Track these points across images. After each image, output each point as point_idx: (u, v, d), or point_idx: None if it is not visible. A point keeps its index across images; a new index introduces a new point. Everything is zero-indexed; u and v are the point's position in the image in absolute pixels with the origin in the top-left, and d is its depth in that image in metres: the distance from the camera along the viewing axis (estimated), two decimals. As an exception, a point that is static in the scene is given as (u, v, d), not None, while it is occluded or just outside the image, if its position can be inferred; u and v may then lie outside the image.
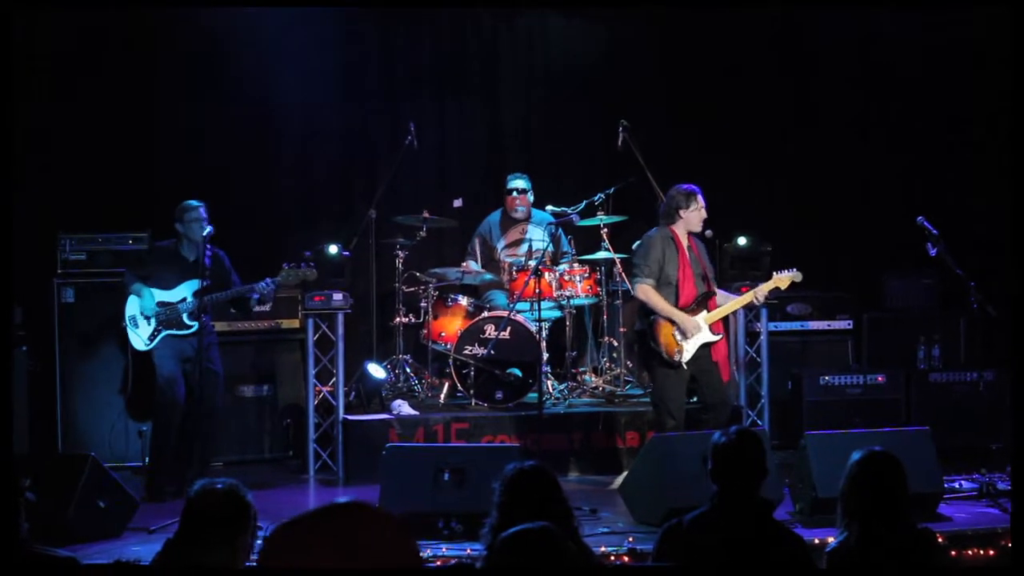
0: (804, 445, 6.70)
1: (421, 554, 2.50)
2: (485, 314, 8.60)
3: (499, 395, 8.38)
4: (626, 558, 5.87)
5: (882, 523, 4.09)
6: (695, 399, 7.71)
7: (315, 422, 8.42)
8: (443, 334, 8.74)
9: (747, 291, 7.63)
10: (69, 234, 8.59)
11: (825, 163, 10.02)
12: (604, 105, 9.86)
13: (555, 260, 9.01)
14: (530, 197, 9.28)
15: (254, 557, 3.52)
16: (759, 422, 8.70)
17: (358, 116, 9.96)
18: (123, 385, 8.51)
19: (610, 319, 9.09)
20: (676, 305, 7.27)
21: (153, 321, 7.63)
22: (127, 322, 7.71)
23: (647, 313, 7.33)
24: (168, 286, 7.68)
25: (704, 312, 7.31)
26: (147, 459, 7.96)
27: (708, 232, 7.84)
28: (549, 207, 9.21)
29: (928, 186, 9.89)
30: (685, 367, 7.25)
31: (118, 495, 6.63)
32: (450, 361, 8.42)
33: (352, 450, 8.20)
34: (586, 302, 8.93)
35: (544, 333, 8.56)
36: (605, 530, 6.44)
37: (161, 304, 7.64)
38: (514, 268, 8.88)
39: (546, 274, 8.47)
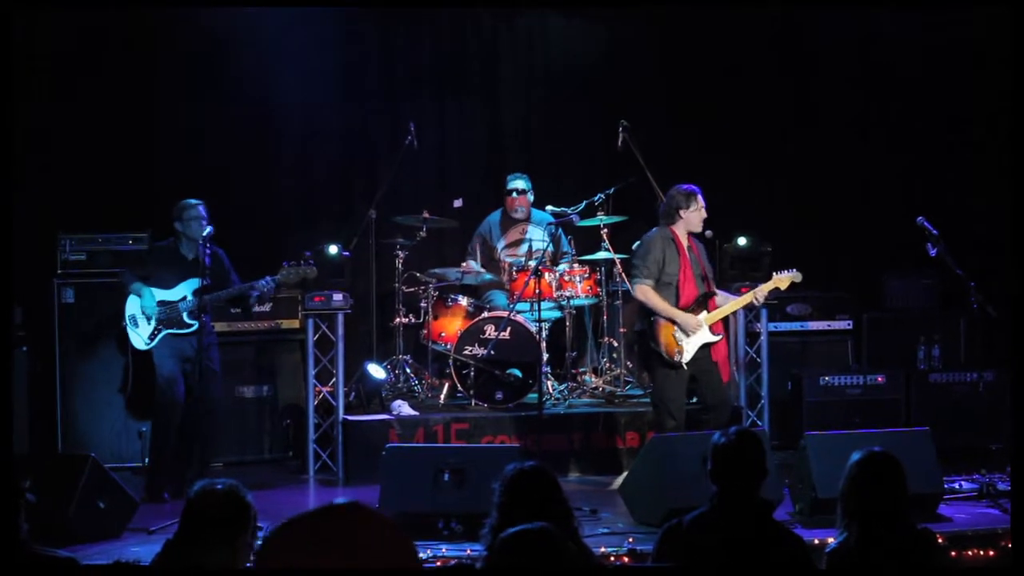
0: (804, 445, 6.70)
1: (419, 555, 2.49)
2: (485, 314, 8.60)
3: (499, 395, 8.38)
4: (626, 559, 5.87)
5: (882, 524, 4.09)
6: (695, 399, 7.71)
7: (315, 422, 8.42)
8: (443, 334, 8.74)
9: (747, 291, 7.63)
10: (69, 234, 8.59)
11: (825, 163, 10.02)
12: (604, 105, 9.86)
13: (555, 260, 9.00)
14: (530, 197, 9.28)
15: (253, 558, 3.52)
16: (759, 422, 8.70)
17: (358, 116, 9.96)
18: (123, 385, 8.51)
19: (610, 319, 9.09)
20: (677, 306, 7.27)
21: (153, 320, 7.63)
22: (127, 321, 7.71)
23: (647, 314, 7.33)
24: (168, 285, 7.68)
25: (704, 312, 7.31)
26: (147, 460, 7.97)
27: (708, 232, 7.83)
28: (549, 207, 9.21)
29: (928, 186, 9.89)
30: (685, 367, 7.25)
31: (118, 496, 6.63)
32: (450, 361, 8.42)
33: (352, 450, 8.20)
34: (586, 302, 8.92)
35: (544, 333, 8.56)
36: (605, 530, 6.44)
37: (161, 303, 7.64)
38: (514, 268, 8.88)
39: (546, 274, 8.47)
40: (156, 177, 9.14)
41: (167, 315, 7.62)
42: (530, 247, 9.17)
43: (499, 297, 8.98)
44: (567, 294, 8.65)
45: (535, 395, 8.20)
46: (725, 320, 7.62)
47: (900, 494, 4.14)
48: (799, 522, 6.47)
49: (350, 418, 8.33)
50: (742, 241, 9.07)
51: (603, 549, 5.93)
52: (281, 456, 8.83)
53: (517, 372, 8.36)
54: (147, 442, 8.03)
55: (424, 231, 8.95)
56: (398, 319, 8.90)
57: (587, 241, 9.13)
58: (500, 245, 9.30)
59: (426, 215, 8.91)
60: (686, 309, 7.28)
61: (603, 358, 9.18)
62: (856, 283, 9.66)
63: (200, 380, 7.45)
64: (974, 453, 7.92)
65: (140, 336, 7.68)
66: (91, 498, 6.43)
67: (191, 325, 7.59)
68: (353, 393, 8.72)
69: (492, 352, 8.33)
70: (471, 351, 8.38)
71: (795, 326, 9.24)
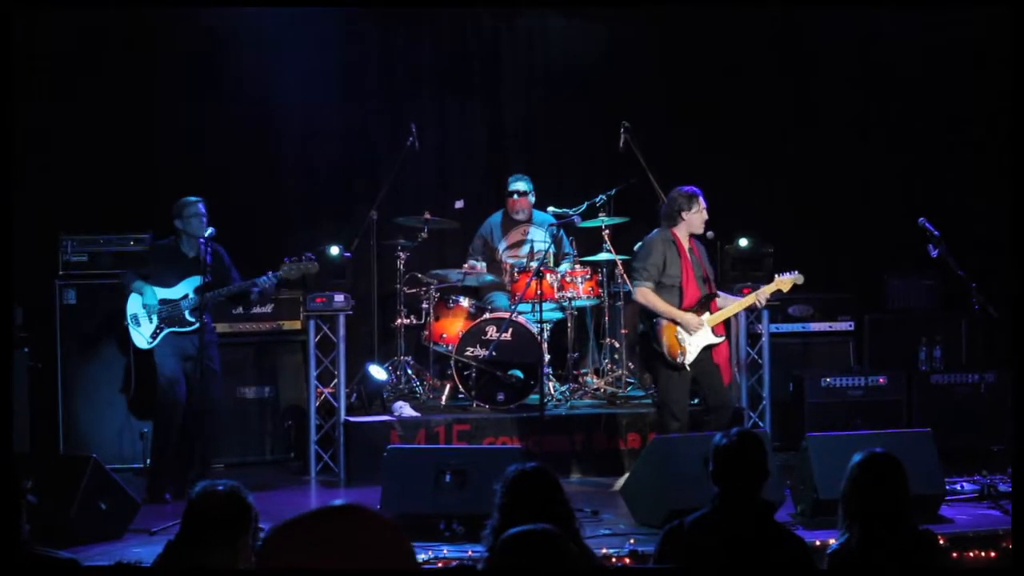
0: (805, 447, 6.70)
1: (417, 556, 2.49)
2: (487, 315, 8.59)
3: (500, 396, 8.38)
4: (627, 560, 5.87)
5: (883, 525, 4.09)
6: (696, 401, 7.71)
7: (316, 424, 8.41)
8: (444, 335, 8.74)
9: (749, 292, 7.64)
10: (70, 235, 8.59)
11: (825, 163, 10.03)
12: (604, 105, 9.87)
13: (557, 261, 9.00)
14: (531, 199, 9.27)
15: (254, 559, 3.52)
16: (760, 424, 8.70)
17: (358, 116, 9.97)
18: (124, 385, 8.50)
19: (612, 320, 9.09)
20: (680, 307, 7.26)
21: (155, 319, 7.62)
22: (129, 321, 7.70)
23: (649, 315, 7.32)
24: (169, 284, 7.68)
25: (707, 314, 7.31)
26: (148, 460, 7.97)
27: (709, 234, 7.83)
28: (551, 208, 9.21)
29: (928, 186, 9.89)
30: (688, 369, 7.25)
31: (119, 496, 6.63)
32: (451, 362, 8.41)
33: (353, 452, 8.20)
34: (588, 303, 8.92)
35: (546, 335, 8.56)
36: (607, 532, 6.44)
37: (163, 302, 7.64)
38: (515, 269, 8.86)
39: (548, 275, 8.47)
40: (156, 177, 9.14)
41: (169, 313, 7.62)
42: (531, 248, 9.16)
43: (500, 298, 8.97)
44: (569, 295, 8.65)
45: (537, 396, 8.19)
46: (726, 322, 7.62)
47: (902, 495, 4.14)
48: (801, 523, 6.47)
49: (352, 419, 8.33)
50: (743, 242, 9.07)
51: (605, 550, 5.93)
52: (283, 457, 8.83)
53: (519, 373, 8.36)
54: (148, 443, 8.03)
55: (425, 232, 8.95)
56: (399, 320, 8.90)
57: (589, 242, 9.13)
58: (501, 246, 9.29)
59: (427, 216, 8.91)
60: (688, 311, 7.28)
61: (605, 359, 9.18)
62: (857, 284, 9.66)
63: (201, 380, 7.45)
64: (975, 454, 7.92)
65: (142, 335, 7.67)
66: (92, 499, 6.43)
67: (193, 323, 7.58)
68: (355, 394, 8.71)
69: (493, 353, 8.33)
70: (472, 352, 8.37)
71: (797, 327, 9.24)
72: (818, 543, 5.74)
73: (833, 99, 10.19)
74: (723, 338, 7.40)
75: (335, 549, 2.26)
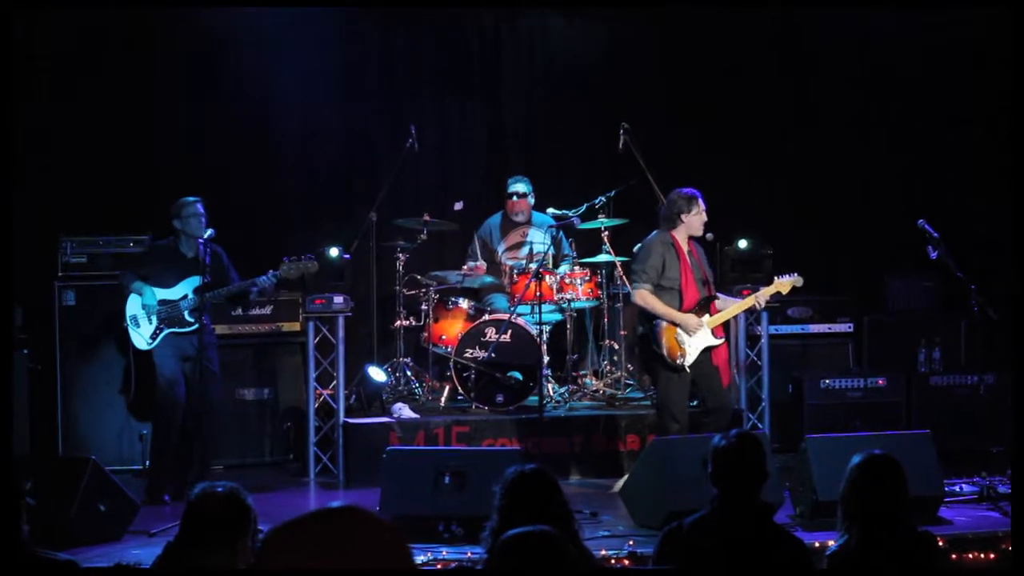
0: (805, 448, 6.69)
1: (414, 558, 2.50)
2: (486, 317, 8.59)
3: (500, 398, 8.37)
4: (626, 561, 5.87)
5: (883, 526, 4.08)
6: (695, 403, 7.70)
7: (316, 425, 8.41)
8: (444, 337, 8.73)
9: (748, 294, 7.64)
10: (70, 237, 8.59)
11: (825, 163, 10.03)
12: (604, 105, 9.87)
13: (556, 263, 9.00)
14: (530, 201, 9.27)
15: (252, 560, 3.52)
16: (760, 425, 8.70)
17: (358, 116, 9.96)
18: (124, 386, 8.49)
19: (611, 322, 9.08)
20: (680, 310, 7.26)
21: (155, 319, 7.62)
22: (128, 322, 7.69)
23: (649, 317, 7.32)
24: (168, 284, 7.67)
25: (706, 316, 7.31)
26: (147, 462, 7.96)
27: (709, 235, 7.83)
28: (550, 210, 9.21)
29: (928, 186, 9.90)
30: (688, 370, 7.25)
31: (119, 498, 6.62)
32: (451, 364, 8.41)
33: (353, 453, 8.20)
34: (587, 305, 8.92)
35: (545, 336, 8.55)
36: (606, 533, 6.44)
37: (162, 302, 7.63)
38: (515, 271, 8.86)
39: (547, 277, 8.46)
40: (156, 177, 9.13)
41: (169, 314, 7.62)
42: (531, 250, 9.15)
43: (500, 300, 8.97)
44: (568, 297, 8.64)
45: (536, 398, 8.19)
46: (725, 323, 7.61)
47: (901, 497, 4.14)
48: (800, 525, 6.47)
49: (351, 421, 8.33)
50: (743, 244, 9.07)
51: (604, 552, 5.93)
52: (282, 459, 8.82)
53: (518, 375, 8.36)
54: (148, 444, 8.03)
55: (424, 234, 8.95)
56: (399, 322, 8.89)
57: (588, 244, 9.13)
58: (501, 248, 9.29)
59: (427, 218, 8.90)
60: (688, 313, 7.27)
61: (604, 361, 9.17)
62: (857, 285, 9.67)
63: (200, 381, 7.45)
64: (975, 456, 7.93)
65: (142, 336, 7.67)
66: (92, 500, 6.42)
67: (192, 324, 7.58)
68: (354, 396, 8.71)
69: (493, 355, 8.32)
70: (472, 354, 8.37)
71: (796, 329, 9.24)
72: (817, 545, 5.73)
73: (833, 99, 10.20)
74: (723, 340, 7.40)
75: (333, 550, 2.26)
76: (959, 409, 8.58)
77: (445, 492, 6.43)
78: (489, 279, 9.03)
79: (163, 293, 7.66)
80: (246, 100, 9.55)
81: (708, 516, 4.13)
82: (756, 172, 9.97)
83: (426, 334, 8.84)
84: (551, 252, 8.92)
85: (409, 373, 8.98)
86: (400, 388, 8.88)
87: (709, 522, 4.11)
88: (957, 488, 7.22)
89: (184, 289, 7.65)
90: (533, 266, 8.53)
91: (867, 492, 4.13)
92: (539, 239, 9.17)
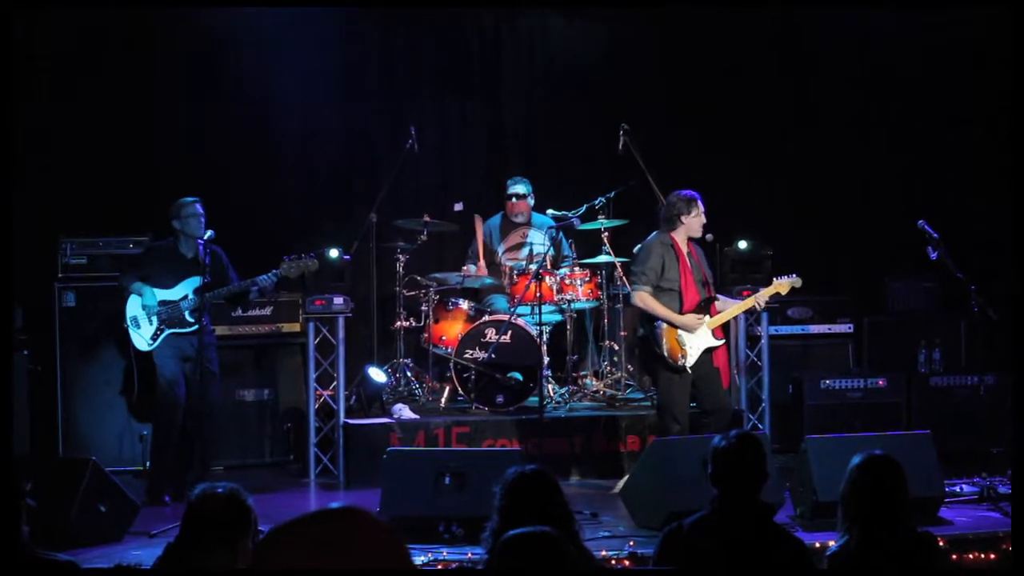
0: (805, 449, 6.69)
1: (413, 559, 2.50)
2: (486, 318, 8.58)
3: (500, 399, 8.37)
4: (627, 562, 5.87)
5: (883, 527, 4.08)
6: (694, 404, 7.70)
7: (316, 426, 8.41)
8: (444, 338, 8.73)
9: (748, 295, 7.63)
10: (70, 238, 8.58)
11: (825, 163, 10.03)
12: (604, 105, 9.88)
13: (556, 264, 8.99)
14: (530, 202, 9.26)
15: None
16: (760, 426, 8.70)
17: (358, 116, 9.96)
18: (124, 387, 8.48)
19: (611, 323, 9.09)
20: (680, 312, 7.26)
21: (155, 320, 7.61)
22: (128, 323, 7.68)
23: (650, 319, 7.32)
24: (168, 285, 7.66)
25: (706, 317, 7.30)
26: (148, 463, 7.96)
27: (708, 236, 7.83)
28: (550, 211, 9.21)
29: (928, 186, 9.90)
30: (689, 371, 7.25)
31: (119, 499, 6.61)
32: (451, 365, 8.40)
33: (353, 454, 8.19)
34: (587, 306, 8.92)
35: (545, 337, 8.55)
36: (606, 534, 6.43)
37: (163, 303, 7.63)
38: (515, 272, 8.86)
39: (547, 278, 8.45)
40: (156, 178, 9.13)
41: (169, 314, 7.61)
42: (531, 251, 9.15)
43: (500, 301, 8.96)
44: (568, 297, 8.64)
45: (536, 399, 8.18)
46: (725, 324, 7.61)
47: (901, 497, 4.14)
48: (800, 525, 6.46)
49: (351, 422, 8.33)
50: (743, 244, 9.07)
51: (604, 552, 5.93)
52: (282, 460, 8.82)
53: (518, 376, 8.35)
54: (148, 445, 8.02)
55: (425, 235, 8.95)
56: (399, 323, 8.89)
57: (588, 245, 9.13)
58: (500, 249, 9.29)
59: (427, 219, 8.90)
60: (688, 315, 7.27)
61: (604, 361, 9.17)
62: (856, 285, 9.67)
63: (200, 382, 7.45)
64: (975, 456, 7.93)
65: (142, 337, 7.66)
66: (92, 501, 6.41)
67: (192, 324, 7.57)
68: (354, 397, 8.70)
69: (493, 356, 8.32)
70: (472, 355, 8.37)
71: (796, 329, 9.24)
72: (817, 545, 5.73)
73: (833, 99, 10.20)
74: (723, 341, 7.40)
75: (333, 551, 2.26)
76: (959, 410, 8.58)
77: (445, 493, 6.42)
78: (489, 280, 9.03)
79: (163, 294, 7.65)
80: (246, 100, 9.55)
81: (708, 517, 4.13)
82: (756, 172, 9.97)
83: (426, 335, 8.84)
84: (551, 253, 8.92)
85: (409, 374, 8.98)
86: (400, 389, 8.88)
87: (709, 523, 4.11)
88: (957, 488, 7.22)
89: (184, 290, 7.64)
90: (533, 267, 8.53)
91: (867, 493, 4.13)
92: (539, 240, 9.17)
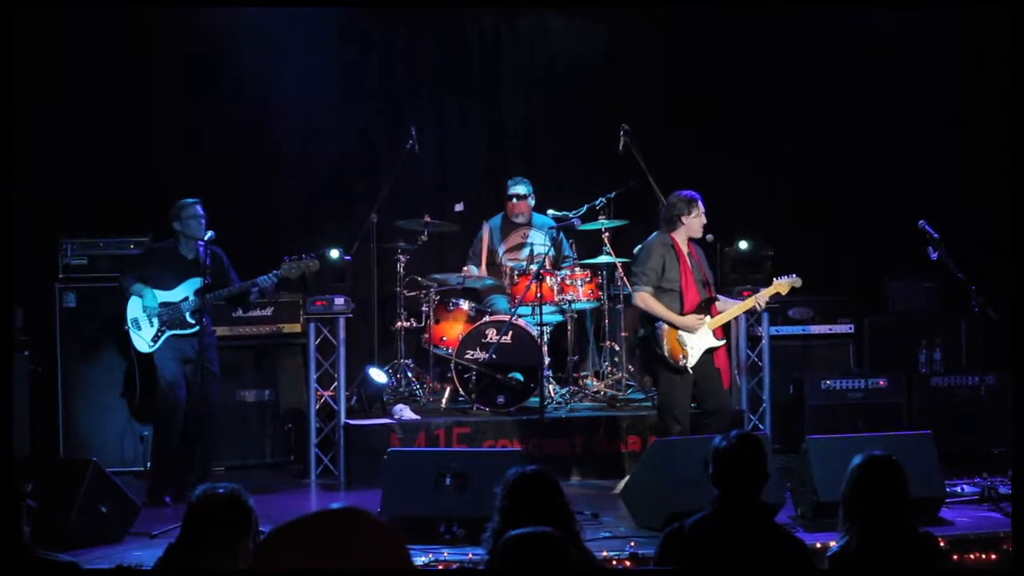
0: (806, 449, 6.69)
1: (413, 560, 2.51)
2: (487, 318, 8.58)
3: (501, 399, 8.37)
4: (628, 562, 5.86)
5: (884, 527, 4.08)
6: (694, 404, 7.70)
7: (316, 426, 8.41)
8: (444, 338, 8.73)
9: (748, 295, 7.63)
10: (70, 238, 8.58)
11: (825, 163, 10.03)
12: (604, 105, 9.88)
13: (556, 264, 8.99)
14: (531, 202, 9.26)
15: (252, 562, 3.52)
16: (761, 426, 8.71)
17: (358, 116, 9.96)
18: (125, 389, 8.47)
19: (612, 323, 9.08)
20: (681, 312, 7.26)
21: (156, 321, 7.61)
22: (129, 325, 7.67)
23: (651, 319, 7.32)
24: (168, 286, 7.66)
25: (707, 318, 7.30)
26: (148, 464, 7.95)
27: (709, 236, 7.82)
28: (551, 211, 9.20)
29: (928, 186, 9.90)
30: (690, 372, 7.24)
31: (120, 500, 6.61)
32: (452, 365, 8.40)
33: (354, 454, 8.19)
34: (588, 306, 8.93)
35: (546, 337, 8.55)
36: (607, 534, 6.43)
37: (163, 304, 7.62)
38: (515, 272, 8.86)
39: (547, 278, 8.45)
40: (156, 178, 9.12)
41: (170, 316, 7.61)
42: (531, 251, 9.15)
43: (500, 301, 8.96)
44: (568, 298, 8.64)
45: (537, 399, 8.17)
46: (726, 325, 7.61)
47: (902, 498, 4.14)
48: (801, 526, 6.47)
49: (352, 422, 8.33)
50: (743, 245, 9.07)
51: (605, 553, 5.92)
52: (283, 460, 8.82)
53: (519, 376, 8.35)
54: (149, 446, 8.02)
55: (425, 235, 8.95)
56: (399, 323, 8.89)
57: (588, 245, 9.13)
58: (501, 249, 9.28)
59: (427, 219, 8.90)
60: (689, 315, 7.27)
61: (605, 362, 9.17)
62: (857, 286, 9.68)
63: (200, 383, 7.44)
64: (976, 457, 7.93)
65: (143, 339, 7.66)
66: (93, 502, 6.41)
67: (193, 325, 7.56)
68: (355, 397, 8.70)
69: (494, 356, 8.32)
70: (473, 355, 8.36)
71: (797, 330, 9.24)
72: (818, 545, 5.73)
73: (833, 99, 10.20)
74: (724, 341, 7.40)
75: (334, 551, 2.27)
76: (960, 410, 8.58)
77: (446, 493, 6.42)
78: (490, 280, 9.03)
79: (164, 295, 7.65)
80: (246, 100, 9.55)
81: (709, 517, 4.13)
82: (756, 172, 9.98)
83: (427, 335, 8.84)
84: (551, 253, 8.92)
85: (410, 374, 8.98)
86: (401, 389, 8.88)
87: (710, 523, 4.11)
88: (958, 489, 7.21)
89: (185, 291, 7.64)
90: (534, 267, 8.53)
91: (868, 493, 4.13)
92: (540, 240, 9.17)
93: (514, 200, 9.22)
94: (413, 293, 8.94)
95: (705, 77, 10.01)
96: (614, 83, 10.12)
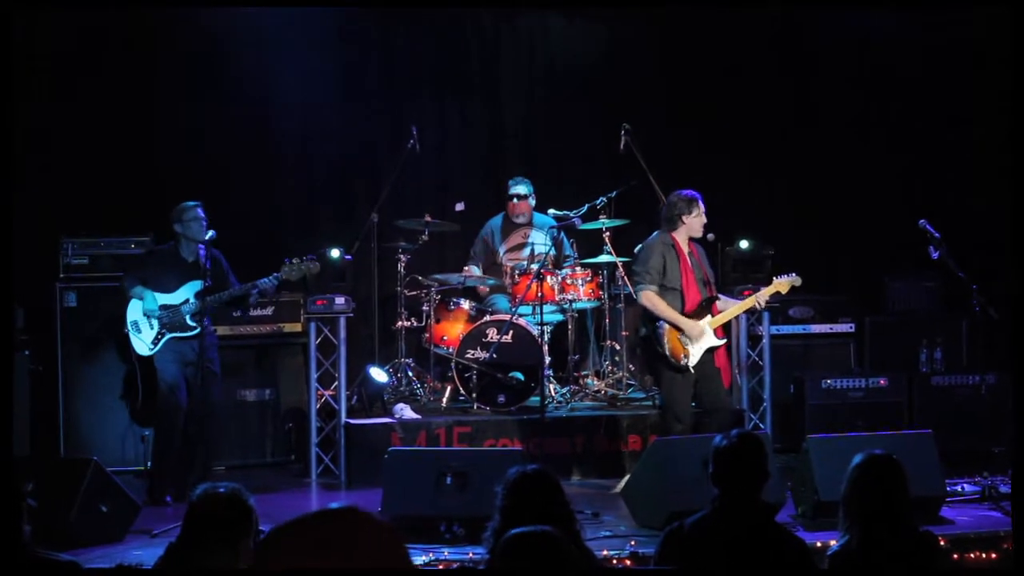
0: (806, 448, 6.69)
1: (412, 559, 2.51)
2: (487, 318, 8.58)
3: (501, 399, 8.37)
4: (628, 561, 5.87)
5: (884, 526, 4.09)
6: (695, 403, 7.70)
7: (317, 426, 8.41)
8: (445, 338, 8.73)
9: (749, 295, 7.64)
10: (71, 238, 8.58)
11: (825, 163, 10.03)
12: (604, 105, 9.88)
13: (557, 264, 8.99)
14: (531, 202, 9.27)
15: (252, 561, 3.52)
16: (761, 425, 8.71)
17: (358, 116, 9.96)
18: (126, 390, 8.46)
19: (612, 323, 9.08)
20: (682, 311, 7.26)
21: (156, 324, 7.61)
22: (129, 327, 7.67)
23: (652, 318, 7.32)
24: (168, 289, 7.66)
25: (708, 317, 7.31)
26: (149, 463, 7.96)
27: (710, 236, 7.83)
28: (551, 211, 9.21)
29: (928, 186, 9.90)
30: (692, 371, 7.25)
31: (120, 499, 6.61)
32: (452, 365, 8.40)
33: (354, 454, 8.19)
34: (588, 306, 8.93)
35: (546, 337, 8.55)
36: (607, 533, 6.43)
37: (164, 307, 7.62)
38: (516, 272, 8.85)
39: (548, 278, 8.46)
40: (156, 178, 9.11)
41: (170, 319, 7.61)
42: (532, 251, 9.16)
43: (501, 301, 8.97)
44: (569, 297, 8.65)
45: (537, 398, 8.18)
46: (726, 324, 7.61)
47: (902, 497, 4.14)
48: (801, 525, 6.47)
49: (352, 422, 8.33)
50: (744, 244, 9.07)
51: (605, 552, 5.93)
52: (283, 460, 8.82)
53: (519, 375, 8.35)
54: (149, 446, 8.02)
55: (426, 235, 8.95)
56: (400, 323, 8.89)
57: (589, 244, 9.14)
58: (502, 249, 9.29)
59: (428, 219, 8.90)
60: (690, 314, 7.27)
61: (605, 361, 9.17)
62: (857, 286, 9.68)
63: (201, 384, 7.44)
64: (976, 456, 7.93)
65: (143, 341, 7.66)
66: (93, 502, 6.41)
67: (194, 328, 7.56)
68: (355, 397, 8.70)
69: (494, 355, 8.32)
70: (473, 354, 8.37)
71: (797, 329, 9.24)
72: (819, 544, 5.74)
73: (833, 99, 10.20)
74: (724, 340, 7.41)
75: (334, 551, 2.27)
76: (960, 409, 8.58)
77: (447, 493, 6.42)
78: (490, 280, 9.03)
79: (164, 298, 7.64)
80: (246, 100, 9.55)
81: (709, 516, 4.13)
82: (756, 172, 9.98)
83: (427, 335, 8.85)
84: (552, 253, 8.92)
85: (411, 374, 8.98)
86: (402, 389, 8.88)
87: (710, 522, 4.11)
88: (959, 488, 7.22)
89: (185, 293, 7.64)
90: (535, 267, 8.53)
91: (868, 492, 4.13)
92: (540, 240, 9.17)
93: (515, 200, 9.22)
94: (414, 293, 8.94)
95: (705, 77, 10.01)
96: (614, 83, 10.13)
